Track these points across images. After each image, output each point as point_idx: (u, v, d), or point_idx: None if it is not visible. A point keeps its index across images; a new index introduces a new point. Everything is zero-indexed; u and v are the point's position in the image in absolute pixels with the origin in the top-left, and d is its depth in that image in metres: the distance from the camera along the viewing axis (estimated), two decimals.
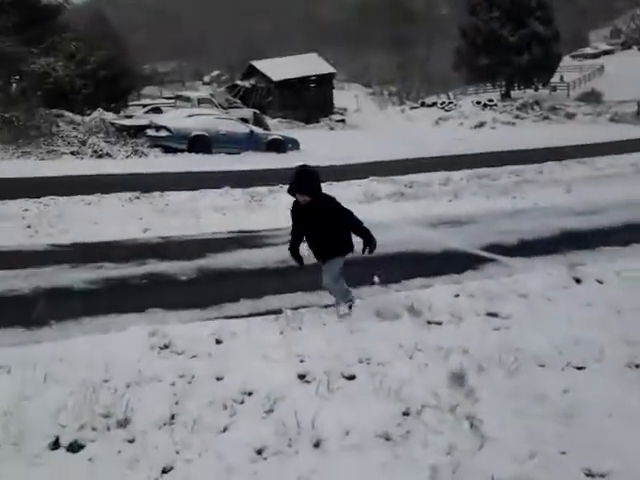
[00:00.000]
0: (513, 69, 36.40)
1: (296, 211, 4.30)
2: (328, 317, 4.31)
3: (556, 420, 3.11)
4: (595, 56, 60.33)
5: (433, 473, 2.68)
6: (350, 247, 4.33)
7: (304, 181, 4.17)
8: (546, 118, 32.67)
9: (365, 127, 32.95)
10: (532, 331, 4.16)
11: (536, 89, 39.42)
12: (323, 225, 4.19)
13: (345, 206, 4.30)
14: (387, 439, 2.88)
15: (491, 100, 34.54)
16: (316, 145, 21.05)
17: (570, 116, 33.37)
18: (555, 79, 41.27)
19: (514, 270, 5.81)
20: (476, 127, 30.83)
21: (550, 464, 2.77)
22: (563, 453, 2.86)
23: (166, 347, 3.74)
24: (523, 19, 35.58)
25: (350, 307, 4.40)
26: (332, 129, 33.01)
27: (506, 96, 37.90)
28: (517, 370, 3.55)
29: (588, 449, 2.87)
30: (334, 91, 39.67)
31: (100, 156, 16.83)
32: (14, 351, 3.59)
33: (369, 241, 4.23)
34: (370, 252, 4.26)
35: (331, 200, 4.25)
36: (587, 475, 2.71)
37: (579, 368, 3.67)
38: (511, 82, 38.84)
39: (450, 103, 36.50)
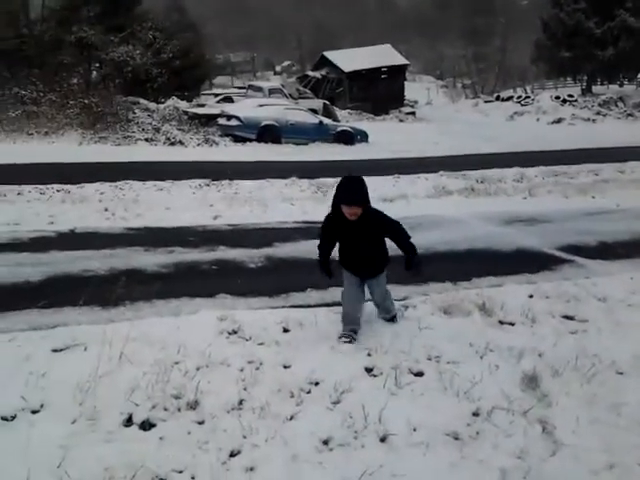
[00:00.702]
0: (596, 63, 34.77)
1: (334, 225, 3.75)
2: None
3: (634, 431, 2.97)
4: None
5: (502, 476, 2.61)
6: (389, 260, 3.93)
7: (362, 192, 3.60)
8: (630, 115, 31.15)
9: (436, 120, 32.42)
10: (611, 337, 3.98)
11: (621, 85, 37.63)
12: (371, 240, 3.77)
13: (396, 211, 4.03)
14: (456, 438, 2.81)
15: (571, 95, 33.17)
16: (385, 137, 20.89)
17: None
18: None
19: (593, 273, 5.56)
20: (553, 123, 29.87)
21: (629, 477, 2.64)
22: None
23: (235, 332, 3.79)
24: (612, 10, 33.78)
25: (395, 319, 4.08)
26: (402, 121, 32.68)
27: (587, 91, 36.34)
28: (594, 376, 3.39)
29: None
30: (405, 83, 39.23)
31: (173, 143, 17.30)
32: (91, 329, 3.69)
33: (414, 256, 3.72)
34: (417, 270, 3.78)
35: (379, 212, 3.75)
36: None
37: None
38: (593, 77, 37.23)
39: (527, 97, 35.39)
